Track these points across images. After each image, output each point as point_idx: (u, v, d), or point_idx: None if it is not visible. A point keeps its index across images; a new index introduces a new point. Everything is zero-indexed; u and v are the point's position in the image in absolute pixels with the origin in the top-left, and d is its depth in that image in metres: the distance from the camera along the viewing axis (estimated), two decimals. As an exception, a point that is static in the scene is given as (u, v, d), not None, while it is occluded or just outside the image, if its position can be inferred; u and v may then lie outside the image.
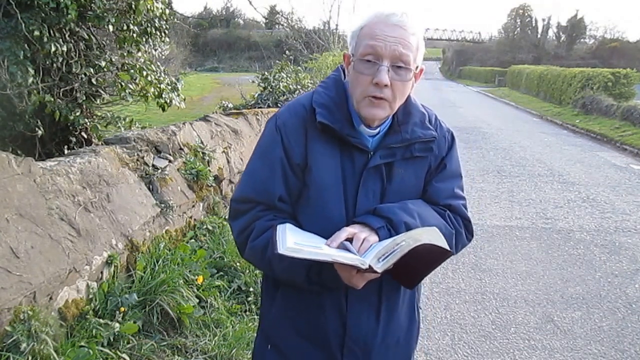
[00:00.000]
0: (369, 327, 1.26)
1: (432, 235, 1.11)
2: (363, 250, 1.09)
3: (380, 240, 1.13)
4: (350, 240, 1.12)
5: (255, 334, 1.47)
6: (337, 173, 1.21)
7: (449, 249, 1.09)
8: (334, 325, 1.25)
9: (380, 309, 1.27)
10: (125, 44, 4.61)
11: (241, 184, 1.28)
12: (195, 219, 3.69)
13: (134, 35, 4.59)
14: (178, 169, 3.66)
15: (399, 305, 1.31)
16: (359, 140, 1.21)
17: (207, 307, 2.80)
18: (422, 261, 1.11)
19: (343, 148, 1.22)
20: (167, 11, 5.08)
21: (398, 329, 1.32)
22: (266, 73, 10.49)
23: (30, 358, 1.84)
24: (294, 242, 1.04)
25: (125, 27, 4.42)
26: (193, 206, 3.67)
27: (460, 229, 1.31)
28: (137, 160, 3.29)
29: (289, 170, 1.22)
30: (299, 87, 10.15)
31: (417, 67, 1.19)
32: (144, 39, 4.84)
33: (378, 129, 1.23)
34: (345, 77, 1.28)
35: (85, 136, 4.71)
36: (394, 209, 1.19)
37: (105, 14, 4.13)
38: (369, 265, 1.03)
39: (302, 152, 1.21)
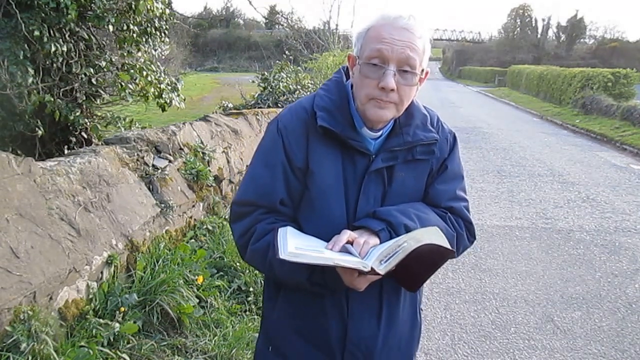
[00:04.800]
0: (370, 330, 1.26)
1: (433, 235, 1.10)
2: (364, 253, 1.09)
3: (381, 243, 1.13)
4: (350, 243, 1.11)
5: (255, 334, 1.48)
6: (339, 176, 1.21)
7: (450, 247, 1.09)
8: (335, 328, 1.25)
9: (381, 313, 1.27)
10: (125, 44, 4.61)
11: (242, 187, 1.28)
12: (195, 219, 3.69)
13: (134, 35, 4.59)
14: (178, 169, 3.66)
15: (400, 308, 1.31)
16: (360, 143, 1.21)
17: (207, 307, 2.80)
18: (424, 262, 1.11)
19: (344, 151, 1.21)
20: (167, 11, 5.08)
21: (399, 332, 1.32)
22: (266, 73, 10.46)
23: (30, 358, 1.84)
24: (294, 246, 1.03)
25: (125, 27, 4.43)
26: (193, 206, 3.67)
27: (462, 232, 1.30)
28: (137, 160, 3.29)
29: (291, 173, 1.22)
30: (298, 87, 10.14)
31: (422, 70, 1.18)
32: (144, 39, 4.85)
33: (380, 131, 1.22)
34: (347, 79, 1.27)
35: (85, 136, 4.71)
36: (393, 211, 1.19)
37: (105, 14, 4.14)
38: (371, 268, 1.02)
39: (303, 155, 1.21)
